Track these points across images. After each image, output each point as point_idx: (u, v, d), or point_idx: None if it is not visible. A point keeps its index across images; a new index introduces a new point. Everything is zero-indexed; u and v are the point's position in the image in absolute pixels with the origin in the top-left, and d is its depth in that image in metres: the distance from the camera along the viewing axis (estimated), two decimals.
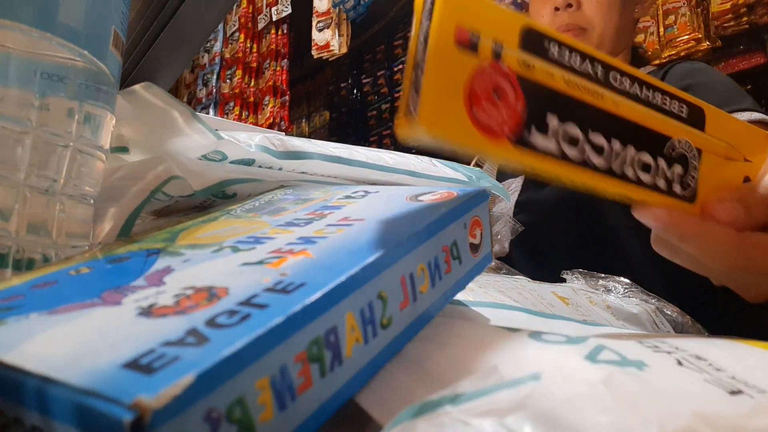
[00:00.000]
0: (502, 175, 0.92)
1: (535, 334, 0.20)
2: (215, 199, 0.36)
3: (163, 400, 0.12)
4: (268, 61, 2.72)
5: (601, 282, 0.46)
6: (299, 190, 0.34)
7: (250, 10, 2.77)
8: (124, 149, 0.36)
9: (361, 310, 0.18)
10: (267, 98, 2.69)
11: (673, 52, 1.61)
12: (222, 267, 0.20)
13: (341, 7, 2.22)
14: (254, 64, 2.77)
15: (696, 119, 0.26)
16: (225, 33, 2.87)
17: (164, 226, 0.29)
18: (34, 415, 0.13)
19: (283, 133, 0.39)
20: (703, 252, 0.26)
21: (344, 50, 2.30)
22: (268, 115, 2.64)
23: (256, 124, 2.68)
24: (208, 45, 2.92)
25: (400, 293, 0.20)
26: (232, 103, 2.78)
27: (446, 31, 0.19)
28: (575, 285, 0.44)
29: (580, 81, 0.22)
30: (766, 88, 1.55)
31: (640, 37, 1.69)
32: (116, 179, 0.34)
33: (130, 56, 0.54)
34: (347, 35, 2.31)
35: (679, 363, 0.18)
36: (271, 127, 2.52)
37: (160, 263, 0.22)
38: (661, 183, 0.25)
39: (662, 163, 0.25)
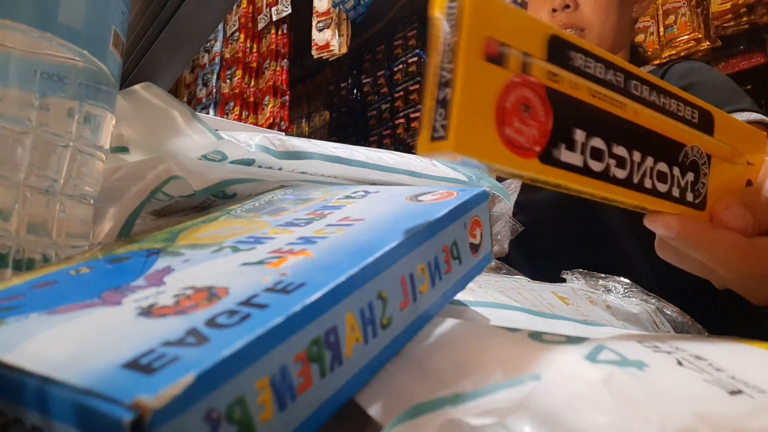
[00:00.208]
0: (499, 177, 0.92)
1: (535, 334, 0.20)
2: (215, 199, 0.36)
3: (163, 400, 0.12)
4: (268, 61, 2.72)
5: (601, 282, 0.46)
6: (299, 190, 0.34)
7: (250, 10, 2.77)
8: (124, 149, 0.36)
9: (361, 310, 0.18)
10: (267, 98, 2.69)
11: (673, 52, 1.61)
12: (222, 267, 0.20)
13: (341, 7, 2.22)
14: (254, 64, 2.77)
15: (706, 124, 0.26)
16: (225, 33, 2.87)
17: (164, 226, 0.29)
18: (34, 415, 0.13)
19: (283, 133, 0.39)
20: (714, 260, 0.26)
21: (344, 50, 2.30)
22: (268, 115, 2.64)
23: (256, 124, 2.68)
24: (208, 45, 2.92)
25: (400, 293, 0.20)
26: (232, 103, 2.78)
27: (477, 45, 0.17)
28: (575, 285, 0.44)
29: (604, 91, 0.21)
30: (766, 88, 1.55)
31: (640, 37, 1.69)
32: (116, 179, 0.34)
33: (130, 56, 0.54)
34: (347, 35, 2.31)
35: (679, 363, 0.18)
36: (271, 127, 2.52)
37: (160, 263, 0.22)
38: (676, 192, 0.25)
39: (677, 172, 0.25)
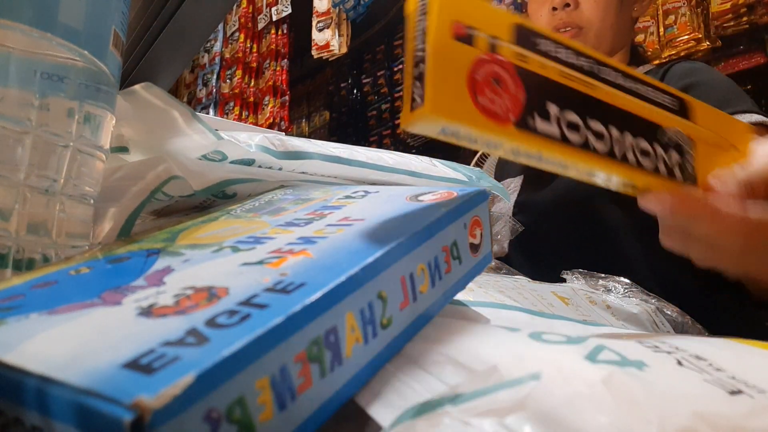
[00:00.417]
0: (501, 175, 0.92)
1: (535, 334, 0.20)
2: (215, 199, 0.36)
3: (163, 400, 0.12)
4: (268, 61, 2.72)
5: (601, 282, 0.46)
6: (299, 190, 0.34)
7: (250, 10, 2.77)
8: (124, 149, 0.36)
9: (361, 310, 0.18)
10: (267, 98, 2.69)
11: (673, 52, 1.61)
12: (222, 267, 0.20)
13: (341, 7, 2.22)
14: (254, 64, 2.77)
15: (683, 110, 0.28)
16: (225, 33, 2.87)
17: (164, 226, 0.29)
18: (34, 415, 0.13)
19: (283, 133, 0.39)
20: (713, 228, 0.27)
21: (344, 50, 2.30)
22: (268, 115, 2.64)
23: (256, 124, 2.68)
24: (208, 45, 2.92)
25: (400, 293, 0.20)
26: (232, 103, 2.78)
27: (444, 26, 0.20)
28: (575, 285, 0.44)
29: (572, 72, 0.23)
30: (766, 88, 1.55)
31: (639, 37, 1.69)
32: (116, 179, 0.34)
33: (130, 56, 0.54)
34: (347, 35, 2.31)
35: (679, 363, 0.18)
36: (271, 127, 2.52)
37: (160, 263, 0.22)
38: (663, 169, 0.26)
39: (659, 149, 0.26)
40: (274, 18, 2.63)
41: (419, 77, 0.19)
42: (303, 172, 0.36)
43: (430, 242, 0.22)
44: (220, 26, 2.81)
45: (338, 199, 0.29)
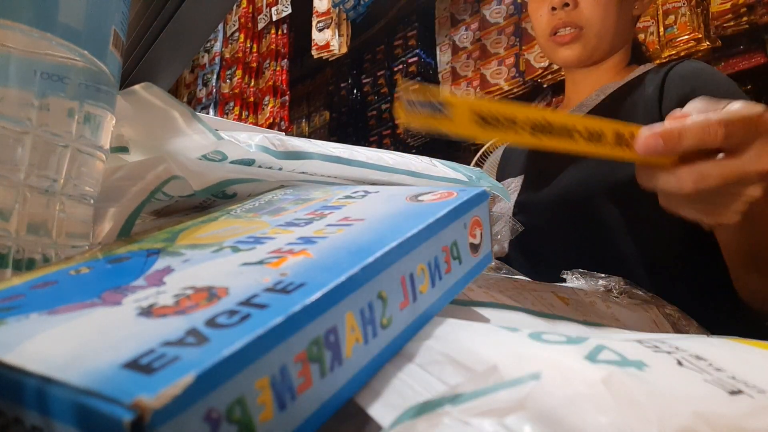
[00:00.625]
0: (502, 175, 0.92)
1: (535, 334, 0.20)
2: (215, 199, 0.36)
3: (163, 400, 0.12)
4: (268, 61, 2.71)
5: (601, 282, 0.46)
6: (299, 190, 0.34)
7: (250, 10, 2.77)
8: (124, 149, 0.36)
9: (361, 310, 0.18)
10: (267, 98, 2.68)
11: (673, 52, 1.60)
12: (222, 267, 0.20)
13: (341, 7, 2.22)
14: (254, 64, 2.77)
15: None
16: (225, 33, 2.87)
17: (164, 226, 0.29)
18: (34, 415, 0.13)
19: (283, 133, 0.39)
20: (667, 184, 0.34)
21: (344, 50, 2.30)
22: (268, 115, 2.64)
23: (256, 124, 2.68)
24: (208, 45, 2.92)
25: (400, 293, 0.20)
26: (232, 103, 2.78)
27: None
28: (575, 285, 0.44)
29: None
30: (766, 88, 1.55)
31: (640, 37, 1.68)
32: (116, 179, 0.34)
33: (130, 56, 0.54)
34: (347, 35, 2.31)
35: (679, 363, 0.18)
36: (271, 127, 2.52)
37: (160, 263, 0.22)
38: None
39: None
40: (274, 18, 2.63)
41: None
42: (303, 172, 0.36)
43: (430, 242, 0.22)
44: (220, 26, 2.81)
45: (338, 199, 0.29)
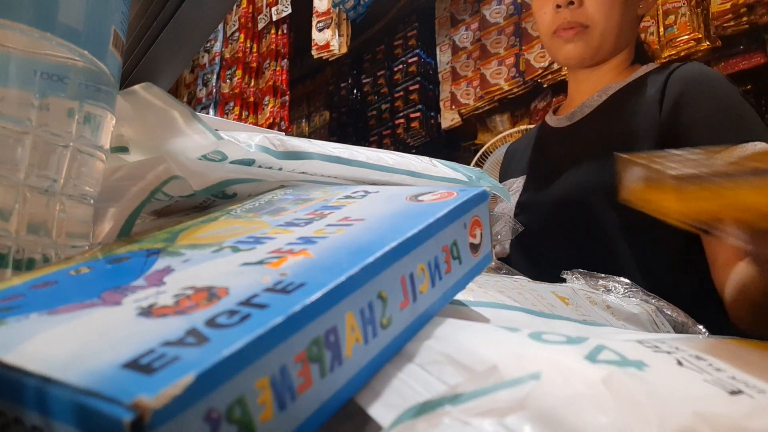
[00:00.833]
0: (505, 175, 0.91)
1: (535, 334, 0.20)
2: (215, 199, 0.36)
3: (163, 400, 0.12)
4: (268, 61, 2.71)
5: (601, 282, 0.46)
6: (299, 190, 0.34)
7: (250, 10, 2.77)
8: (124, 149, 0.36)
9: (361, 310, 0.18)
10: (267, 98, 2.68)
11: (673, 52, 1.60)
12: (222, 267, 0.20)
13: (341, 7, 2.22)
14: (254, 64, 2.77)
15: None
16: (225, 33, 2.86)
17: (164, 226, 0.29)
18: (34, 415, 0.13)
19: (283, 133, 0.39)
20: None
21: (344, 50, 2.30)
22: (268, 115, 2.64)
23: (256, 124, 2.68)
24: (208, 45, 2.92)
25: (400, 293, 0.20)
26: (232, 103, 2.78)
27: None
28: (575, 285, 0.44)
29: None
30: (766, 88, 1.55)
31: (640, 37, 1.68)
32: (116, 179, 0.34)
33: (130, 56, 0.54)
34: (347, 35, 2.31)
35: (679, 363, 0.18)
36: (271, 127, 2.52)
37: (160, 263, 0.22)
38: None
39: None
40: (274, 18, 2.63)
41: None
42: (303, 172, 0.36)
43: (430, 242, 0.22)
44: (220, 26, 2.81)
45: (338, 199, 0.29)
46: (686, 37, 1.59)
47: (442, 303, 0.23)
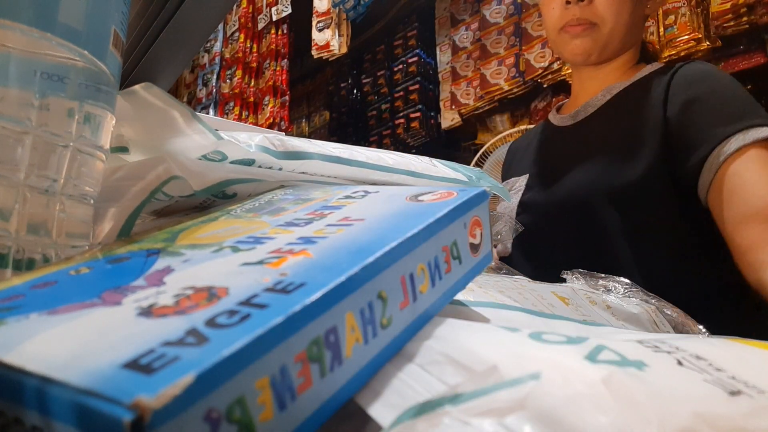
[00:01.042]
0: (507, 174, 0.91)
1: (535, 334, 0.20)
2: (215, 199, 0.36)
3: (163, 400, 0.12)
4: (268, 61, 2.71)
5: (601, 282, 0.46)
6: (299, 190, 0.34)
7: (250, 10, 2.77)
8: (124, 149, 0.36)
9: (361, 310, 0.18)
10: (267, 98, 2.68)
11: (673, 52, 1.60)
12: (222, 267, 0.20)
13: (341, 7, 2.22)
14: (254, 64, 2.77)
15: None
16: (225, 33, 2.87)
17: (164, 226, 0.29)
18: (34, 415, 0.13)
19: (283, 133, 0.39)
20: None
21: (344, 50, 2.30)
22: (268, 115, 2.64)
23: (256, 124, 2.68)
24: (208, 45, 2.92)
25: (400, 293, 0.20)
26: (232, 103, 2.78)
27: None
28: (575, 285, 0.44)
29: None
30: (766, 88, 1.55)
31: None
32: (116, 179, 0.34)
33: (130, 56, 0.54)
34: (347, 35, 2.31)
35: (679, 363, 0.18)
36: (271, 127, 2.52)
37: (160, 263, 0.22)
38: None
39: None
40: (274, 18, 2.63)
41: None
42: (303, 172, 0.36)
43: (430, 242, 0.22)
44: (220, 26, 2.81)
45: (338, 199, 0.29)
46: (686, 37, 1.59)
47: (442, 303, 0.23)
